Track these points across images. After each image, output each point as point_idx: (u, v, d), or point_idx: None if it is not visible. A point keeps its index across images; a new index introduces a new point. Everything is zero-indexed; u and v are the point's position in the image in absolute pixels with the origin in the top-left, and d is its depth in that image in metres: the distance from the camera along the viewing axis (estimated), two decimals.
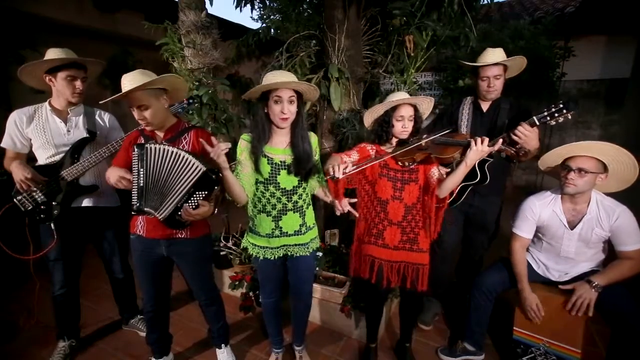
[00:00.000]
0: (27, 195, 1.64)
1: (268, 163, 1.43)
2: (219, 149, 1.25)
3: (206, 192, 1.35)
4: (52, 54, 1.65)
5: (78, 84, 1.70)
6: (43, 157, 1.71)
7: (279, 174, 1.46)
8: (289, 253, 1.56)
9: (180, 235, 1.52)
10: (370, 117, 1.64)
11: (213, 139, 1.30)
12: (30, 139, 1.70)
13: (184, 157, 1.32)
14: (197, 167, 1.31)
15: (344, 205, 1.42)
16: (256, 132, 1.44)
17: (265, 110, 1.41)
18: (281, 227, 1.51)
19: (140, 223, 1.52)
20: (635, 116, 4.07)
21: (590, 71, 5.32)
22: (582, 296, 1.54)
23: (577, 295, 1.55)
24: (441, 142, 1.45)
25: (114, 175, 1.41)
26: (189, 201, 1.35)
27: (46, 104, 1.74)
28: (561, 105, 1.47)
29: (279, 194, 1.47)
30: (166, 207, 1.37)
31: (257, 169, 1.43)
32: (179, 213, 1.37)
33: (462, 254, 2.22)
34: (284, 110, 1.36)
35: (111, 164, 1.53)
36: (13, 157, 1.69)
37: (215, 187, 1.36)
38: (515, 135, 1.58)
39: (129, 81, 1.34)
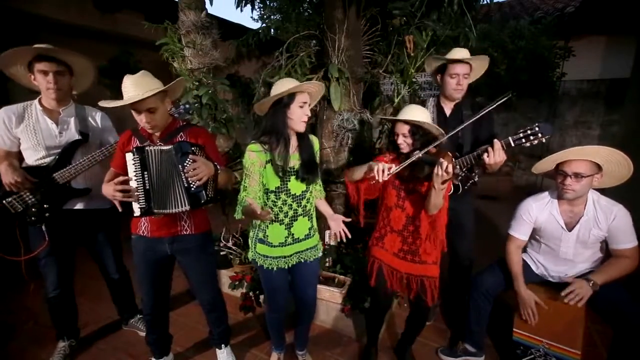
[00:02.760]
0: (17, 198, 1.60)
1: (282, 171, 1.41)
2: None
3: (189, 154, 1.34)
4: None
5: (50, 78, 1.59)
6: (32, 159, 1.65)
7: (290, 181, 1.45)
8: (302, 259, 1.55)
9: (185, 232, 1.53)
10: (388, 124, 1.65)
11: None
12: (19, 139, 1.64)
13: (167, 150, 1.34)
14: (167, 148, 1.34)
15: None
16: (275, 140, 1.39)
17: (285, 117, 1.38)
18: (293, 234, 1.51)
19: (144, 223, 1.51)
20: (635, 116, 4.07)
21: (590, 71, 5.33)
22: (578, 288, 1.53)
23: (573, 287, 1.54)
24: (425, 160, 1.41)
25: (108, 191, 1.37)
26: (185, 170, 1.33)
27: (36, 102, 1.68)
28: (537, 129, 1.49)
29: (290, 201, 1.47)
30: (182, 196, 1.36)
31: (277, 175, 1.41)
32: (192, 188, 1.35)
33: (450, 260, 2.15)
34: (307, 112, 1.39)
35: (109, 167, 1.51)
36: (3, 155, 1.63)
37: (193, 148, 1.36)
38: (488, 155, 1.57)
39: (135, 84, 1.31)
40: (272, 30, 3.34)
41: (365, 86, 2.67)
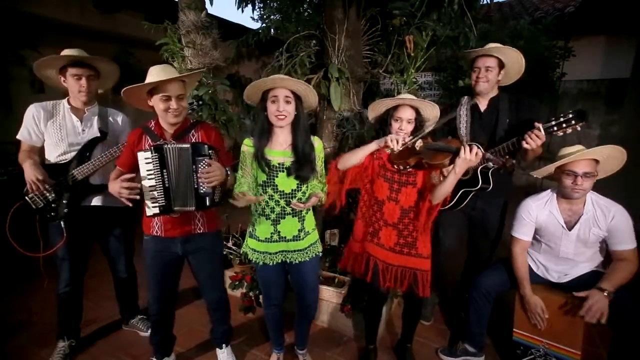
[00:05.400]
0: (38, 194, 1.66)
1: (266, 165, 1.44)
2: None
3: (205, 156, 1.36)
4: (64, 53, 1.69)
5: (83, 82, 1.71)
6: (54, 155, 1.72)
7: (277, 177, 1.46)
8: (288, 260, 1.54)
9: (198, 231, 1.54)
10: (372, 112, 1.66)
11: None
12: (44, 134, 1.72)
13: (185, 148, 1.37)
14: (186, 146, 1.36)
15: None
16: (257, 134, 1.46)
17: (265, 112, 1.43)
18: (280, 232, 1.51)
19: (157, 224, 1.50)
20: (635, 116, 4.07)
21: (590, 71, 5.32)
22: (598, 303, 1.47)
23: (592, 302, 1.48)
24: (434, 147, 1.42)
25: (114, 188, 1.40)
26: (199, 172, 1.35)
27: (64, 101, 1.77)
28: (570, 115, 1.41)
29: (277, 197, 1.47)
30: (191, 196, 1.39)
31: (261, 170, 1.45)
32: (201, 190, 1.38)
33: (467, 258, 2.17)
34: (280, 109, 1.39)
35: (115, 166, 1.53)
36: (28, 150, 1.71)
37: (210, 151, 1.39)
38: (527, 142, 1.53)
39: (164, 72, 1.38)
40: (272, 30, 3.34)
41: (365, 86, 2.67)
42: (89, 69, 1.73)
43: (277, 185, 1.46)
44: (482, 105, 1.87)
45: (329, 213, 2.51)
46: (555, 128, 1.47)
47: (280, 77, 1.39)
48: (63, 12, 3.48)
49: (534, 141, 1.52)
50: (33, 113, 1.69)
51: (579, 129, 1.43)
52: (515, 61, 1.79)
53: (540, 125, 1.51)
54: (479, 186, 1.79)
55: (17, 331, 2.12)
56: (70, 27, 3.62)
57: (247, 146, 1.48)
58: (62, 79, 1.73)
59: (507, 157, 1.53)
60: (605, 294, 1.49)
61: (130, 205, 1.43)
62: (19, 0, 3.14)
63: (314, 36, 2.69)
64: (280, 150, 1.47)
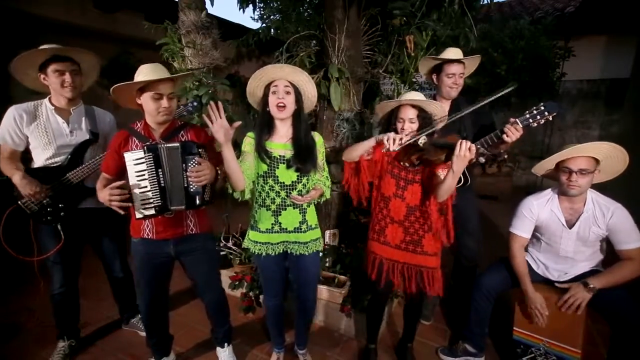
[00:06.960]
0: (33, 199, 1.62)
1: (267, 156, 1.46)
2: (218, 125, 1.28)
3: (195, 155, 1.36)
4: (41, 49, 1.61)
5: (67, 77, 1.62)
6: (42, 158, 1.67)
7: (278, 168, 1.47)
8: (289, 250, 1.56)
9: (190, 232, 1.53)
10: (379, 113, 1.68)
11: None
12: (27, 137, 1.65)
13: (175, 147, 1.36)
14: (175, 145, 1.36)
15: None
16: (259, 127, 1.48)
17: (267, 109, 1.46)
18: (280, 223, 1.52)
19: (148, 226, 1.48)
20: (635, 116, 4.07)
21: (590, 71, 5.33)
22: (575, 296, 1.55)
23: (570, 294, 1.56)
24: (435, 143, 1.44)
25: (104, 196, 1.37)
26: (189, 171, 1.35)
27: (46, 101, 1.69)
28: (542, 107, 1.50)
29: (278, 188, 1.49)
30: (181, 195, 1.38)
31: (262, 160, 1.46)
32: (191, 189, 1.38)
33: (454, 261, 2.18)
34: (280, 97, 1.42)
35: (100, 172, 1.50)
36: (9, 157, 1.64)
37: (200, 150, 1.39)
38: (507, 135, 1.60)
39: (155, 70, 1.37)
40: (272, 30, 3.34)
41: (365, 86, 2.67)
42: (71, 63, 1.64)
43: (277, 177, 1.48)
44: (445, 106, 1.92)
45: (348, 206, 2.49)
46: (530, 120, 1.54)
47: (280, 65, 1.43)
48: (63, 12, 3.48)
49: (513, 134, 1.59)
50: (14, 115, 1.59)
51: (550, 119, 1.52)
52: (473, 66, 1.97)
53: (517, 120, 1.58)
54: (461, 183, 1.85)
55: (17, 331, 2.12)
56: (70, 27, 3.62)
57: (250, 137, 1.50)
58: (42, 77, 1.62)
59: (501, 150, 1.63)
60: (589, 287, 1.52)
61: (122, 213, 1.40)
62: (19, 0, 3.15)
63: (314, 36, 2.69)
64: (281, 143, 1.49)
